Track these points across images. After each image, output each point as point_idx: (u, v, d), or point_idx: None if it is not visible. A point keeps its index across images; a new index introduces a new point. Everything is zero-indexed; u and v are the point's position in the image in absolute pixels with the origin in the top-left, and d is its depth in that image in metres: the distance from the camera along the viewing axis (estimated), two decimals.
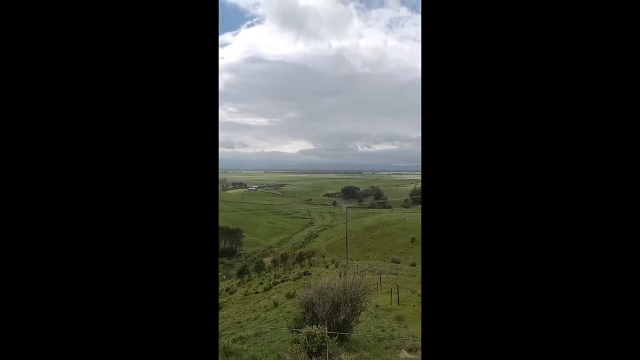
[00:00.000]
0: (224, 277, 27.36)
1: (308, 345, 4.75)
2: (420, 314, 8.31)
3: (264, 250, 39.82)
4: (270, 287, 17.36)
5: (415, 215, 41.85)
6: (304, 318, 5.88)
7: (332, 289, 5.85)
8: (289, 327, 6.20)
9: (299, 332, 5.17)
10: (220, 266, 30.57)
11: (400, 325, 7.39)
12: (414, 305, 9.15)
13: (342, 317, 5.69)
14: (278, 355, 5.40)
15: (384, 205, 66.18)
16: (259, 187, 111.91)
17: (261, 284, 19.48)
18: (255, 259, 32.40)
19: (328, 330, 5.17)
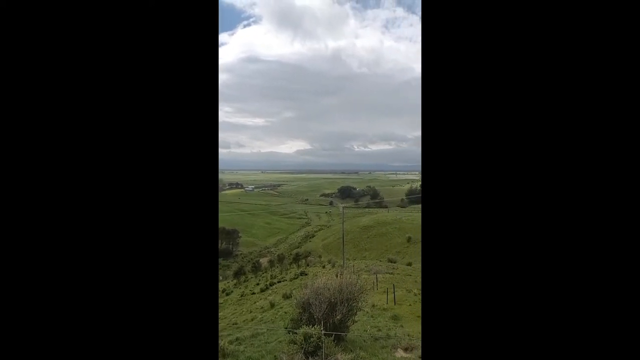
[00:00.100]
0: (220, 278, 27.20)
1: (305, 346, 4.75)
2: (416, 313, 8.39)
3: (260, 251, 39.67)
4: (267, 288, 17.31)
5: (411, 215, 42.05)
6: (301, 318, 5.88)
7: (329, 289, 5.86)
8: (286, 328, 6.19)
9: (296, 333, 5.17)
10: None
11: (396, 324, 7.43)
12: (410, 305, 9.20)
13: (338, 317, 5.71)
14: (275, 356, 5.40)
15: (381, 205, 66.36)
16: (256, 188, 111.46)
17: (258, 284, 19.41)
18: (251, 259, 32.27)
19: (325, 330, 5.18)
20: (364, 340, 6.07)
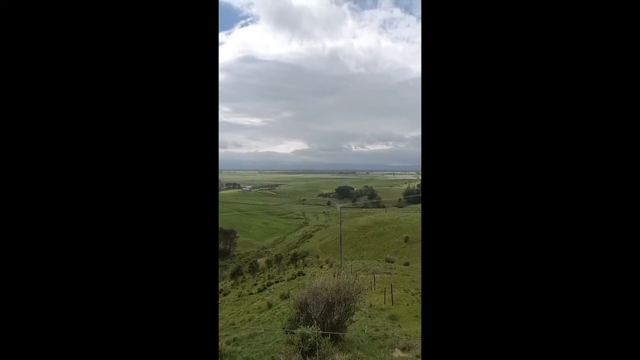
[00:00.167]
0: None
1: (302, 346, 4.74)
2: (413, 313, 8.41)
3: (258, 251, 39.57)
4: (265, 288, 17.27)
5: (408, 215, 42.19)
6: (298, 319, 5.87)
7: (326, 289, 5.86)
8: (283, 328, 6.18)
9: (293, 333, 5.16)
10: None
11: (394, 324, 7.45)
12: (408, 305, 9.22)
13: (336, 317, 5.70)
14: (272, 356, 5.39)
15: (378, 205, 66.49)
16: (253, 188, 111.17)
17: (255, 285, 19.36)
18: (249, 259, 32.18)
19: (322, 331, 5.18)
20: (362, 340, 6.07)
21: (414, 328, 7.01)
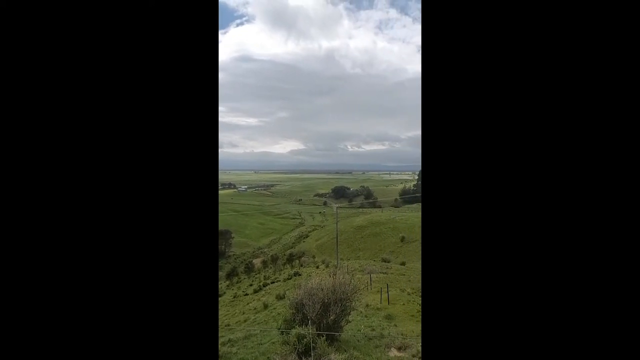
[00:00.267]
0: None
1: (298, 347, 4.71)
2: (409, 313, 8.43)
3: (253, 252, 39.40)
4: (260, 289, 17.19)
5: (405, 214, 42.41)
6: (294, 319, 5.84)
7: (322, 290, 5.84)
8: (279, 329, 6.14)
9: (289, 334, 5.13)
10: None
11: (390, 324, 7.45)
12: (404, 304, 9.25)
13: (332, 317, 5.69)
14: (268, 357, 5.35)
15: (374, 205, 66.75)
16: (249, 188, 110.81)
17: (251, 285, 19.27)
18: (244, 260, 32.03)
19: (318, 331, 5.15)
20: (358, 340, 6.06)
21: (410, 327, 7.03)
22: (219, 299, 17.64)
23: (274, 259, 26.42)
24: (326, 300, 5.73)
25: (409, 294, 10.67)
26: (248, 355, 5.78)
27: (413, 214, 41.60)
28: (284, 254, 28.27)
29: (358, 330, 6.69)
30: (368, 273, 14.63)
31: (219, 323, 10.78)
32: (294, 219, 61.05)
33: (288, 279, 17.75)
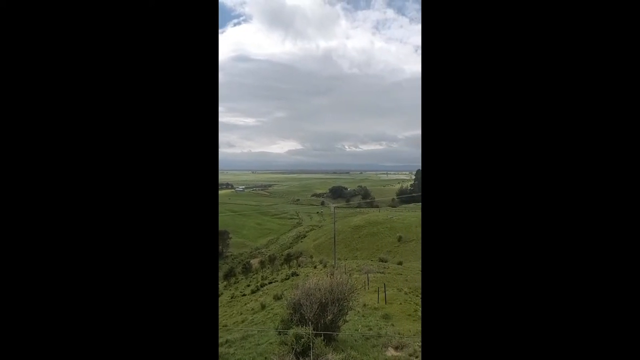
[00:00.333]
0: None
1: (295, 347, 4.72)
2: (406, 312, 8.46)
3: (251, 252, 39.28)
4: (258, 289, 17.15)
5: (402, 214, 42.53)
6: (291, 319, 5.85)
7: (320, 290, 5.85)
8: (276, 329, 6.14)
9: (287, 334, 5.13)
10: None
11: (387, 323, 7.48)
12: (401, 304, 9.29)
13: (329, 317, 5.70)
14: (265, 358, 5.35)
15: (372, 204, 66.83)
16: (246, 188, 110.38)
17: (248, 286, 19.21)
18: (242, 260, 31.91)
19: (316, 331, 5.17)
20: (355, 340, 6.08)
21: (407, 327, 7.06)
22: None
23: (272, 259, 26.37)
24: (324, 300, 5.74)
25: (406, 293, 10.72)
26: (246, 356, 5.78)
27: (410, 214, 41.74)
28: (282, 254, 28.22)
29: (355, 330, 6.71)
30: (365, 273, 14.66)
31: None
32: (291, 219, 60.94)
33: (286, 279, 17.73)
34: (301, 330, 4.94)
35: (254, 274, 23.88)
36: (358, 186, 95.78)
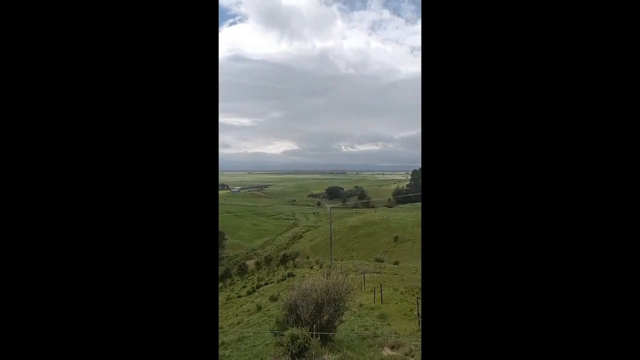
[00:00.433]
0: None
1: (291, 348, 4.70)
2: (402, 312, 8.48)
3: (247, 253, 39.08)
4: (254, 291, 17.06)
5: (398, 214, 42.71)
6: (287, 320, 5.82)
7: (316, 290, 5.83)
8: (272, 331, 6.10)
9: (282, 335, 5.10)
10: None
11: (383, 323, 7.49)
12: (397, 303, 9.31)
13: (325, 318, 5.68)
14: (261, 359, 5.31)
15: (368, 205, 67.02)
16: (242, 189, 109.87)
17: (244, 287, 19.11)
18: (238, 262, 31.73)
19: (312, 331, 5.14)
20: (351, 340, 6.08)
21: (403, 326, 7.08)
22: None
23: (268, 260, 26.26)
24: (320, 301, 5.72)
25: (402, 293, 10.75)
26: (241, 357, 5.73)
27: (406, 214, 41.95)
28: (278, 255, 28.11)
29: (352, 330, 6.71)
30: (362, 273, 14.68)
31: None
32: (287, 219, 60.82)
33: (282, 280, 17.66)
34: (297, 331, 4.91)
35: (249, 275, 23.76)
36: (354, 186, 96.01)
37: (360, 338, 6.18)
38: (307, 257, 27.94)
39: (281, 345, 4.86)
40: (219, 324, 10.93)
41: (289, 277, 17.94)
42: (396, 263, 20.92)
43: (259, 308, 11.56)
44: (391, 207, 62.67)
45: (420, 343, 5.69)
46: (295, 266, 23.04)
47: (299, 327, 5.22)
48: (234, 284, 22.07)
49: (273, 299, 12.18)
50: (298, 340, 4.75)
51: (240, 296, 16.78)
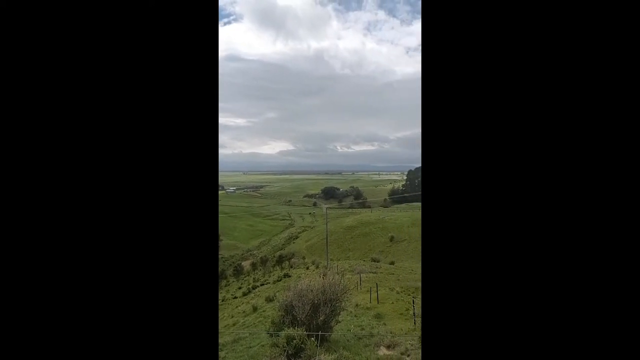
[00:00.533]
0: None
1: (287, 348, 4.68)
2: (398, 311, 8.50)
3: (242, 254, 38.87)
4: (250, 292, 16.97)
5: (394, 214, 42.92)
6: (283, 321, 5.79)
7: (312, 291, 5.82)
8: (268, 332, 6.07)
9: (278, 335, 5.08)
10: None
11: (379, 322, 7.51)
12: (393, 303, 9.34)
13: (321, 318, 5.67)
14: None
15: (364, 205, 67.22)
16: (237, 189, 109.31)
17: (240, 288, 19.00)
18: (233, 263, 31.53)
19: (308, 332, 5.13)
20: (348, 340, 6.07)
21: (399, 326, 7.10)
22: None
23: (264, 261, 26.15)
24: (316, 301, 5.71)
25: (397, 292, 10.79)
26: (237, 359, 5.69)
27: (402, 214, 42.17)
28: (274, 256, 28.01)
29: (348, 330, 6.71)
30: (358, 273, 14.70)
31: None
32: (283, 220, 60.67)
33: (278, 280, 17.60)
34: (293, 332, 4.89)
35: (245, 276, 23.63)
36: (350, 187, 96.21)
37: (357, 338, 6.19)
38: (303, 258, 27.90)
39: (277, 346, 4.83)
40: None
41: (285, 277, 17.89)
42: (392, 263, 21.01)
43: (254, 309, 11.50)
44: (387, 207, 62.94)
45: (415, 342, 5.72)
46: (291, 267, 22.98)
47: (295, 327, 5.20)
48: (229, 285, 21.93)
49: (269, 299, 12.13)
50: (294, 341, 4.73)
51: (235, 297, 16.68)
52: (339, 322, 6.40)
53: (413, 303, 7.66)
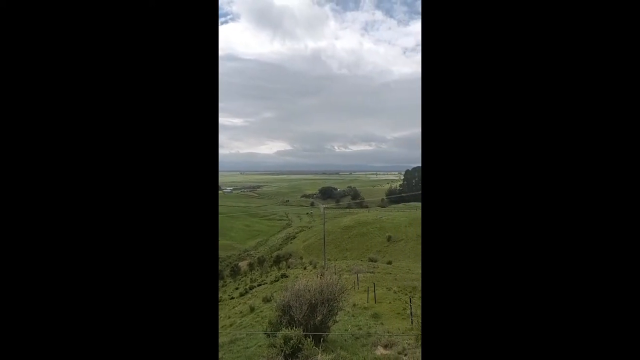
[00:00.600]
0: None
1: (284, 349, 4.66)
2: (395, 311, 8.52)
3: (239, 254, 38.75)
4: (247, 292, 16.92)
5: (391, 214, 43.03)
6: (281, 321, 5.78)
7: (309, 291, 5.81)
8: (265, 332, 6.05)
9: (275, 336, 5.06)
10: None
11: (376, 322, 7.52)
12: (390, 302, 9.36)
13: (319, 318, 5.67)
14: None
15: (361, 205, 67.33)
16: (235, 189, 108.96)
17: (237, 289, 18.93)
18: (230, 263, 31.41)
19: (306, 332, 5.12)
20: (345, 340, 6.07)
21: (396, 325, 7.12)
22: None
23: (261, 261, 26.09)
24: (313, 301, 5.70)
25: (395, 292, 10.82)
26: (234, 359, 5.66)
27: (399, 214, 42.29)
28: (271, 256, 27.94)
29: (345, 330, 6.71)
30: (355, 273, 14.72)
31: None
32: (280, 220, 60.59)
33: (275, 281, 17.57)
34: (290, 332, 4.88)
35: (242, 277, 23.56)
36: (347, 187, 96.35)
37: (354, 338, 6.19)
38: (301, 258, 27.87)
39: (274, 347, 4.82)
40: None
41: (282, 278, 17.86)
42: (389, 263, 21.06)
43: (251, 309, 11.47)
44: (384, 207, 63.10)
45: (413, 341, 5.73)
46: (289, 267, 22.94)
47: (293, 328, 5.19)
48: (226, 285, 21.84)
49: (266, 300, 12.10)
50: (291, 341, 4.72)
51: (232, 298, 16.62)
52: (337, 322, 6.39)
53: (410, 302, 7.69)
